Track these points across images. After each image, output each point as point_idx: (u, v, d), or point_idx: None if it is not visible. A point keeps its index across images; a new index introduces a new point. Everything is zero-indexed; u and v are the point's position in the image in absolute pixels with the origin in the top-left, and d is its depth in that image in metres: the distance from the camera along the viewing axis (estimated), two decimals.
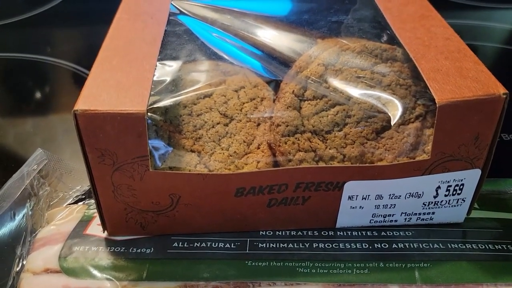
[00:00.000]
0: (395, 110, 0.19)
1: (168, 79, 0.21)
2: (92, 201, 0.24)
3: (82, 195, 0.24)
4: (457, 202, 0.20)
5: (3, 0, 0.44)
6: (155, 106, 0.19)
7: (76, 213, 0.22)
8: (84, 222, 0.22)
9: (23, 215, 0.22)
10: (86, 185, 0.24)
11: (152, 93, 0.19)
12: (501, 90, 0.17)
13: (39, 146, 0.24)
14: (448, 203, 0.20)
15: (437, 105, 0.17)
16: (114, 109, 0.17)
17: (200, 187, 0.19)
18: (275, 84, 0.22)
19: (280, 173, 0.19)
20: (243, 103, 0.22)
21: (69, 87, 0.34)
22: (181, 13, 0.25)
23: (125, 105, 0.17)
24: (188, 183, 0.19)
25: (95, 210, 0.23)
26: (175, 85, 0.21)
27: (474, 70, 0.19)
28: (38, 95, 0.33)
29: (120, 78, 0.19)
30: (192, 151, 0.21)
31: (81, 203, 0.24)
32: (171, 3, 0.25)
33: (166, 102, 0.19)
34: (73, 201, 0.24)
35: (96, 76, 0.19)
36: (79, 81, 0.34)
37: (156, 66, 0.20)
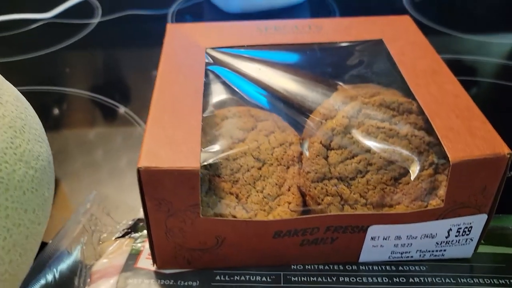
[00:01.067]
0: (411, 161, 0.22)
1: (211, 132, 0.23)
2: (137, 234, 0.26)
3: (128, 228, 0.27)
4: (466, 241, 0.23)
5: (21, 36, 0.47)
6: (206, 163, 0.21)
7: (125, 246, 0.25)
8: (133, 255, 0.24)
9: (78, 250, 0.25)
10: (130, 220, 0.27)
11: (202, 149, 0.21)
12: (506, 150, 0.20)
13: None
14: (458, 242, 0.23)
15: (450, 163, 0.20)
16: (172, 166, 0.20)
17: (242, 231, 0.22)
18: (301, 128, 0.25)
19: (314, 219, 0.22)
20: (274, 148, 0.25)
21: (85, 113, 0.37)
22: (215, 62, 0.28)
23: (181, 162, 0.20)
24: (233, 228, 0.22)
25: (142, 244, 0.25)
26: (217, 139, 0.23)
27: (482, 129, 0.21)
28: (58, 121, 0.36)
29: (172, 135, 0.21)
30: (231, 193, 0.23)
31: (127, 236, 0.26)
32: (206, 52, 0.28)
33: (215, 158, 0.22)
34: (120, 235, 0.26)
35: (152, 133, 0.21)
36: (93, 106, 0.37)
37: (201, 120, 0.23)
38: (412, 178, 0.23)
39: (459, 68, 0.41)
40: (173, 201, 0.21)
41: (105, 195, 0.27)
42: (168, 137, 0.21)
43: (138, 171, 0.20)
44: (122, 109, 0.37)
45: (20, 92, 0.38)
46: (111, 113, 0.37)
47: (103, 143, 0.34)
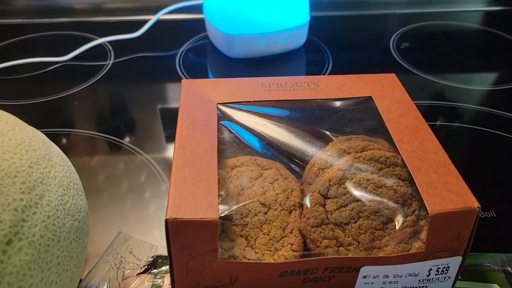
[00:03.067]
0: (394, 209, 0.26)
1: (226, 184, 0.27)
2: (156, 270, 0.30)
3: (148, 265, 0.30)
4: (444, 279, 0.27)
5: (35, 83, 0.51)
6: (223, 215, 0.25)
7: (147, 281, 0.29)
8: None
9: (106, 286, 0.28)
10: (150, 257, 0.30)
11: (219, 201, 0.25)
12: (475, 204, 0.24)
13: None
14: (438, 280, 0.27)
15: (429, 215, 0.24)
16: (195, 217, 0.23)
17: (253, 271, 0.25)
18: (299, 175, 0.29)
19: (314, 261, 0.25)
20: (278, 194, 0.29)
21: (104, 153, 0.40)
22: (225, 117, 0.32)
23: (202, 213, 0.24)
24: (245, 268, 0.25)
25: (161, 279, 0.29)
26: (232, 192, 0.27)
27: (456, 184, 0.25)
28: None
29: (193, 189, 0.25)
30: (241, 236, 0.27)
31: (148, 272, 0.30)
32: (217, 107, 0.32)
33: (231, 210, 0.26)
34: (141, 271, 0.30)
35: (176, 187, 0.25)
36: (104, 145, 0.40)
37: (217, 174, 0.26)
38: (397, 227, 0.27)
39: (440, 112, 0.46)
40: (195, 247, 0.24)
41: (129, 235, 0.30)
42: (189, 190, 0.25)
43: (166, 221, 0.23)
44: (144, 156, 0.41)
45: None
46: (130, 156, 0.40)
47: (129, 188, 0.37)
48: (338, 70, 0.51)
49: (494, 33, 0.59)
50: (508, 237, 0.33)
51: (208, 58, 0.53)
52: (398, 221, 0.27)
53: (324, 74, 0.50)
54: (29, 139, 0.22)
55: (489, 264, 0.30)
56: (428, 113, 0.45)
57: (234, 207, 0.26)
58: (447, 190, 0.25)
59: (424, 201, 0.25)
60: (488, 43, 0.57)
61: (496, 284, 0.28)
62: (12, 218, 0.19)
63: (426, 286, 0.27)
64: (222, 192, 0.27)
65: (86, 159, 0.40)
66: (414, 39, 0.57)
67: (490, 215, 0.35)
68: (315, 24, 0.57)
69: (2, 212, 0.18)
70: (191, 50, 0.55)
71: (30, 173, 0.20)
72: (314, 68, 0.51)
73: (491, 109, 0.46)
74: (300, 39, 0.53)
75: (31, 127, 0.24)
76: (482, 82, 0.50)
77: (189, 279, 0.26)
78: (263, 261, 0.25)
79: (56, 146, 0.25)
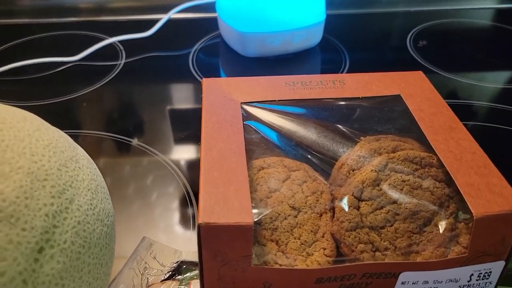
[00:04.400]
0: (435, 213, 0.25)
1: (257, 187, 0.26)
2: (181, 277, 0.29)
3: (172, 270, 0.29)
4: (485, 284, 0.26)
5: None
6: (258, 219, 0.24)
7: None
8: None
9: None
10: (174, 262, 0.29)
11: (253, 204, 0.24)
12: None
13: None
14: (479, 285, 0.26)
15: (474, 218, 0.23)
16: (228, 222, 0.22)
17: (288, 278, 0.24)
18: (327, 176, 0.28)
19: (351, 267, 0.24)
20: (307, 196, 0.27)
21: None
22: (250, 117, 0.30)
23: (235, 218, 0.22)
24: (279, 275, 0.24)
25: (187, 286, 0.28)
26: (264, 195, 0.26)
27: (499, 185, 0.24)
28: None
29: (224, 192, 0.24)
30: (271, 240, 0.26)
31: (172, 278, 0.28)
32: (241, 107, 0.31)
33: (265, 214, 0.24)
34: (165, 277, 0.29)
35: (206, 190, 0.24)
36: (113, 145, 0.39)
37: (248, 176, 0.25)
38: (435, 231, 0.25)
39: (463, 111, 0.45)
40: (228, 252, 0.23)
41: (153, 240, 0.29)
42: (220, 193, 0.24)
43: (199, 226, 0.22)
44: (160, 156, 0.40)
45: None
46: (146, 157, 0.39)
47: (138, 190, 0.36)
48: (355, 69, 0.49)
49: (506, 29, 0.58)
50: None
51: (222, 58, 0.52)
52: (437, 224, 0.26)
53: (341, 73, 0.49)
54: (56, 140, 0.21)
55: None
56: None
57: (267, 211, 0.25)
58: (490, 192, 0.24)
59: (468, 203, 0.24)
60: (501, 40, 0.56)
61: None
62: (43, 224, 0.17)
63: None
64: (251, 195, 0.26)
65: (104, 160, 0.38)
66: (430, 37, 0.56)
67: None
68: (331, 23, 0.56)
69: (34, 218, 0.17)
70: (204, 49, 0.54)
71: (59, 176, 0.19)
72: (331, 67, 0.50)
73: (506, 105, 0.45)
74: (316, 37, 0.52)
75: (55, 128, 0.23)
76: (497, 79, 0.49)
77: (220, 287, 0.25)
78: (297, 268, 0.24)
79: (81, 148, 0.24)
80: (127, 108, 0.45)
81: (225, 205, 0.23)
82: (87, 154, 0.24)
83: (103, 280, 0.21)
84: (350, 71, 0.49)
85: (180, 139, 0.41)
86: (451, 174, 0.25)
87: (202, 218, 0.22)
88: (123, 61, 0.51)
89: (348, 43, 0.54)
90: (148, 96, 0.46)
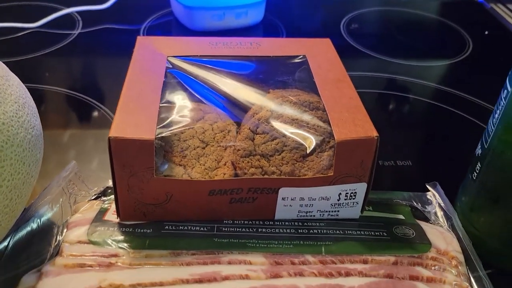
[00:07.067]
0: (312, 143, 0.30)
1: (166, 117, 0.31)
2: (106, 198, 0.33)
3: (98, 194, 0.34)
4: (353, 204, 0.31)
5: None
6: (159, 136, 0.29)
7: (95, 206, 0.32)
8: (102, 212, 0.31)
9: (58, 207, 0.31)
10: (101, 187, 0.34)
11: (157, 127, 0.29)
12: (374, 133, 0.29)
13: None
14: (347, 205, 0.31)
15: (336, 142, 0.28)
16: (133, 137, 0.27)
17: (186, 189, 0.29)
18: (238, 122, 0.33)
19: (238, 181, 0.29)
20: (216, 134, 0.32)
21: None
22: (174, 68, 0.35)
23: (141, 134, 0.27)
24: (179, 185, 0.29)
25: (109, 204, 0.32)
26: (171, 121, 0.31)
27: (362, 120, 0.30)
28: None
29: (136, 118, 0.29)
30: (180, 165, 0.31)
31: (98, 199, 0.33)
32: (167, 60, 0.36)
33: (166, 133, 0.29)
34: (92, 198, 0.33)
35: (120, 115, 0.29)
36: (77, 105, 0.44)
37: (159, 109, 0.30)
38: (316, 157, 0.31)
39: (381, 85, 0.51)
40: (134, 164, 0.28)
41: (81, 166, 0.34)
42: (133, 118, 0.29)
43: (109, 140, 0.27)
44: (95, 104, 0.44)
45: None
46: (85, 107, 0.44)
47: (77, 135, 0.41)
48: None
49: (442, 22, 0.65)
50: (417, 181, 0.37)
51: (172, 32, 0.57)
52: (317, 155, 0.31)
53: None
54: None
55: (398, 200, 0.34)
56: (362, 83, 0.50)
57: (170, 129, 0.30)
58: (354, 124, 0.29)
59: (333, 132, 0.29)
60: (436, 30, 0.62)
61: (401, 215, 0.33)
62: None
63: (338, 211, 0.31)
64: (163, 124, 0.30)
65: (49, 109, 0.43)
66: (362, 22, 0.62)
67: (406, 164, 0.39)
68: (272, 2, 0.61)
69: None
70: (156, 23, 0.58)
71: None
72: None
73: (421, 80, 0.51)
74: (257, 15, 0.57)
75: None
76: (419, 59, 0.55)
77: (130, 197, 0.29)
78: (193, 179, 0.29)
79: (15, 75, 0.29)
80: (77, 70, 0.49)
81: (134, 126, 0.28)
82: (20, 81, 0.29)
83: (26, 177, 0.26)
84: None
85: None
86: (326, 111, 0.31)
87: (112, 133, 0.27)
88: (79, 30, 0.56)
89: (287, 22, 0.60)
90: (99, 63, 0.50)
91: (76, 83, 0.47)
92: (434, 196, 0.34)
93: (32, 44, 0.53)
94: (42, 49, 0.52)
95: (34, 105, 0.29)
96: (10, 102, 0.25)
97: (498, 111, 0.28)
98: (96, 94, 0.46)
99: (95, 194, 0.34)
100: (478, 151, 0.31)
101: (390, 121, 0.45)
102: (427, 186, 0.35)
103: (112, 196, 0.33)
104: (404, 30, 0.62)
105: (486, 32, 0.62)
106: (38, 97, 0.45)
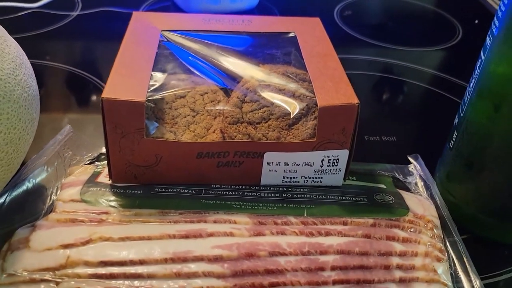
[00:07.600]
0: (296, 109, 0.31)
1: (158, 84, 0.32)
2: (99, 163, 0.35)
3: (92, 159, 0.35)
4: (335, 171, 0.32)
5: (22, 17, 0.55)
6: (149, 98, 0.30)
7: (89, 169, 0.33)
8: (95, 175, 0.33)
9: (52, 169, 0.33)
10: (95, 153, 0.35)
11: (148, 91, 0.30)
12: (355, 100, 0.30)
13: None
14: (330, 171, 0.32)
15: (318, 107, 0.30)
16: (125, 98, 0.28)
17: (175, 150, 0.30)
18: (228, 92, 0.34)
19: (224, 143, 0.31)
20: (206, 103, 0.34)
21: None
22: (167, 40, 0.37)
23: (132, 96, 0.29)
24: (167, 147, 0.30)
25: (102, 168, 0.34)
26: (162, 87, 0.32)
27: (344, 89, 0.31)
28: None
29: (128, 82, 0.30)
30: (171, 131, 0.32)
31: (91, 164, 0.34)
32: (161, 34, 0.37)
33: (157, 96, 0.31)
34: (86, 163, 0.35)
35: (113, 79, 0.30)
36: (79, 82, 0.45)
37: (151, 76, 0.31)
38: (301, 126, 0.32)
39: (377, 69, 0.52)
40: (125, 125, 0.29)
41: (78, 134, 0.35)
42: (124, 82, 0.30)
43: (101, 100, 0.28)
44: (91, 78, 0.46)
45: None
46: (81, 80, 0.45)
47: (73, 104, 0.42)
48: None
49: (433, 10, 0.66)
50: (400, 154, 0.38)
51: None
52: (303, 124, 0.32)
53: None
54: None
55: (381, 171, 0.36)
56: (352, 65, 0.51)
57: (161, 93, 0.31)
58: (337, 92, 0.31)
59: (316, 98, 0.30)
60: (429, 19, 0.64)
61: (383, 184, 0.34)
62: None
63: (321, 177, 0.33)
64: (155, 88, 0.32)
65: (49, 82, 0.44)
66: (355, 9, 0.64)
67: (391, 139, 0.41)
68: None
69: None
70: (154, 7, 0.60)
71: None
72: None
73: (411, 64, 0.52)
74: (252, 0, 0.59)
75: None
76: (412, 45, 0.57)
77: (122, 158, 0.31)
78: (181, 141, 0.30)
79: (13, 39, 0.30)
80: (75, 50, 0.50)
81: (126, 89, 0.29)
82: (19, 46, 0.30)
83: (22, 133, 0.27)
84: None
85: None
86: (311, 81, 0.32)
87: (104, 94, 0.29)
88: (77, 12, 0.57)
89: (282, 8, 0.61)
90: (96, 44, 0.52)
91: (74, 59, 0.49)
92: (416, 167, 0.36)
93: (32, 23, 0.54)
94: (42, 28, 0.53)
95: (31, 68, 0.30)
96: (7, 60, 0.27)
97: (473, 80, 0.29)
98: (92, 69, 0.47)
99: (89, 160, 0.35)
100: (455, 120, 0.32)
101: (378, 100, 0.47)
102: (409, 158, 0.36)
103: (105, 162, 0.35)
104: (395, 17, 0.63)
105: (476, 21, 0.63)
106: (36, 71, 0.46)
